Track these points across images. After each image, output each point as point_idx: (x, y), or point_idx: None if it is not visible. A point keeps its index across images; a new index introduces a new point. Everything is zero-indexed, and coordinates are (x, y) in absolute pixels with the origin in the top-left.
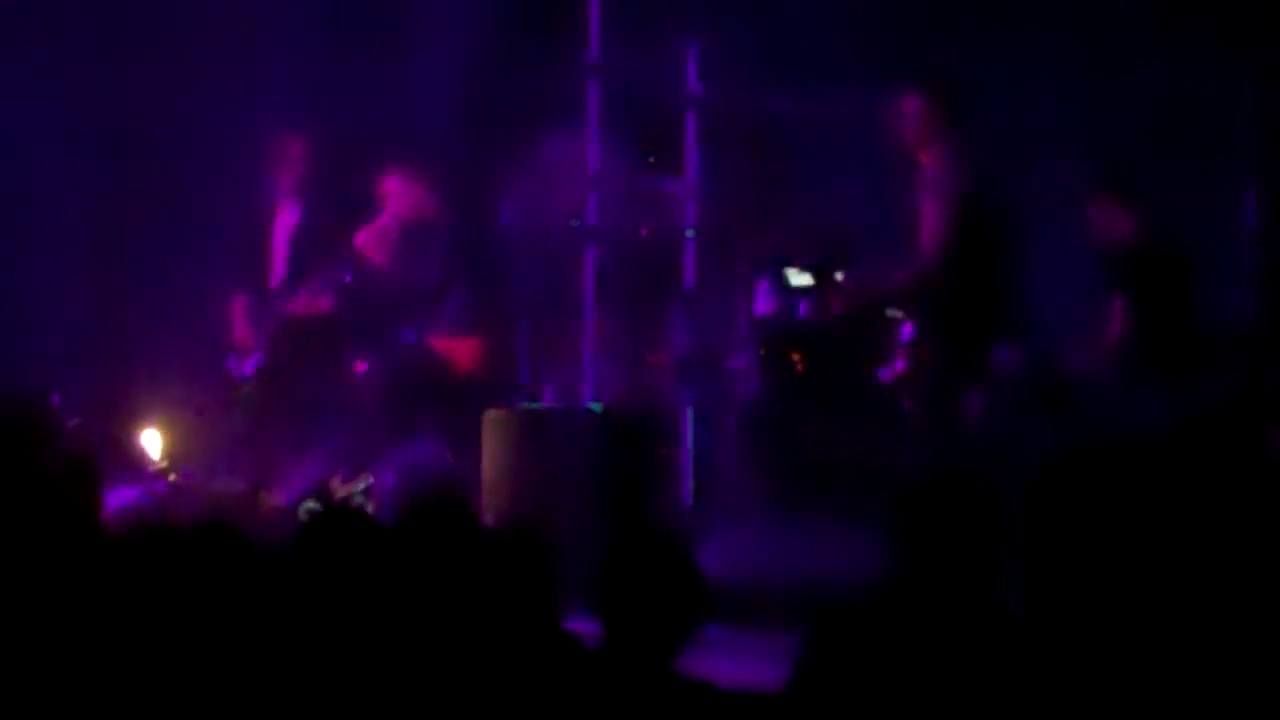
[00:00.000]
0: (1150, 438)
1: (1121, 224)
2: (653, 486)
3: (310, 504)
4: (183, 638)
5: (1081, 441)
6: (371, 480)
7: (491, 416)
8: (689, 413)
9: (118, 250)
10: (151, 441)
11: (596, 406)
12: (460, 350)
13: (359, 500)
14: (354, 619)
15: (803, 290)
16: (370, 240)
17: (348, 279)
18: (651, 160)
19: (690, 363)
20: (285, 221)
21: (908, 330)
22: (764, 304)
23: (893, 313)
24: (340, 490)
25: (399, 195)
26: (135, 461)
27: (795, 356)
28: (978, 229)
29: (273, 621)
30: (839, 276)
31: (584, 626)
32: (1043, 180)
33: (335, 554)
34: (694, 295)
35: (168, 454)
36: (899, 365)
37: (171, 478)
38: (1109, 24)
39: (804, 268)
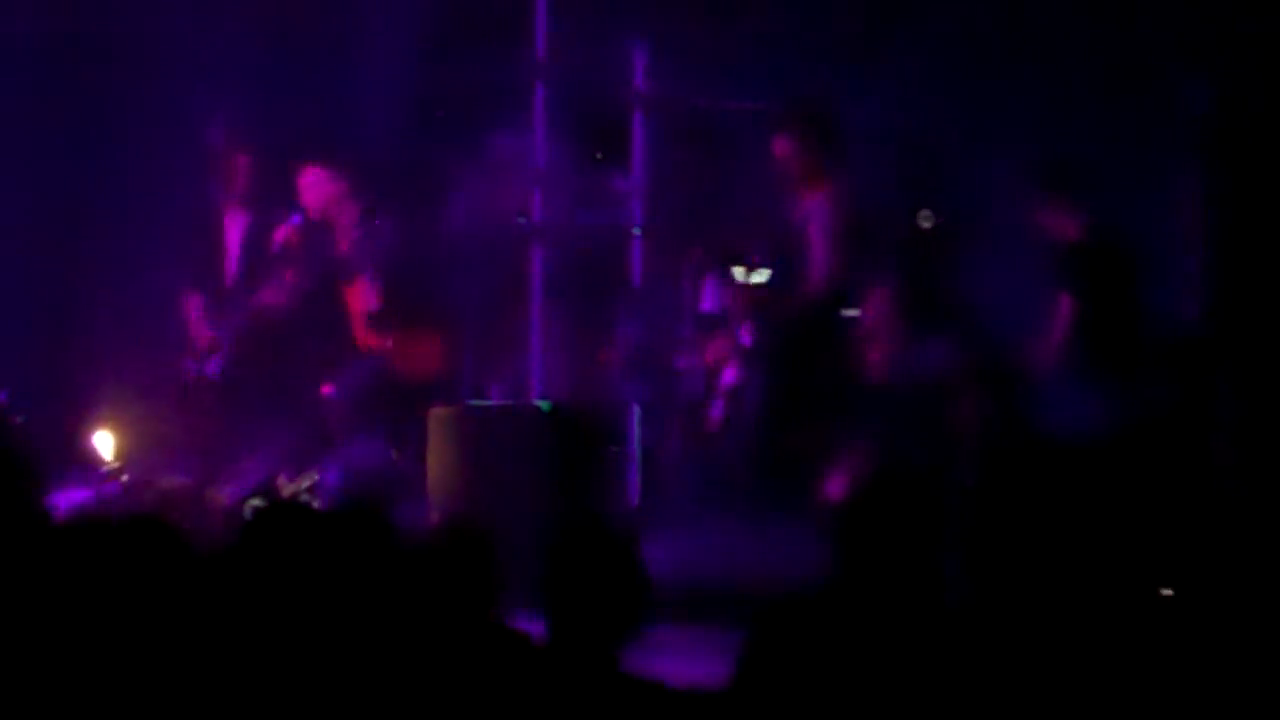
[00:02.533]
0: (1093, 438)
1: (1067, 224)
2: (599, 484)
3: (256, 501)
4: (117, 635)
5: (1025, 440)
6: (317, 478)
7: (437, 414)
8: (636, 410)
9: (69, 252)
10: (104, 443)
11: (544, 404)
12: (417, 350)
13: (305, 498)
14: (298, 615)
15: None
16: (288, 236)
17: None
18: (599, 157)
19: (637, 360)
20: (234, 227)
21: (745, 335)
22: (711, 301)
23: (849, 313)
24: (286, 488)
25: (312, 188)
26: (87, 462)
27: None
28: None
29: (213, 619)
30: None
31: (529, 624)
32: (995, 180)
33: (278, 550)
34: (641, 292)
35: (119, 455)
36: (731, 373)
37: (123, 479)
38: (1056, 25)
39: (752, 266)
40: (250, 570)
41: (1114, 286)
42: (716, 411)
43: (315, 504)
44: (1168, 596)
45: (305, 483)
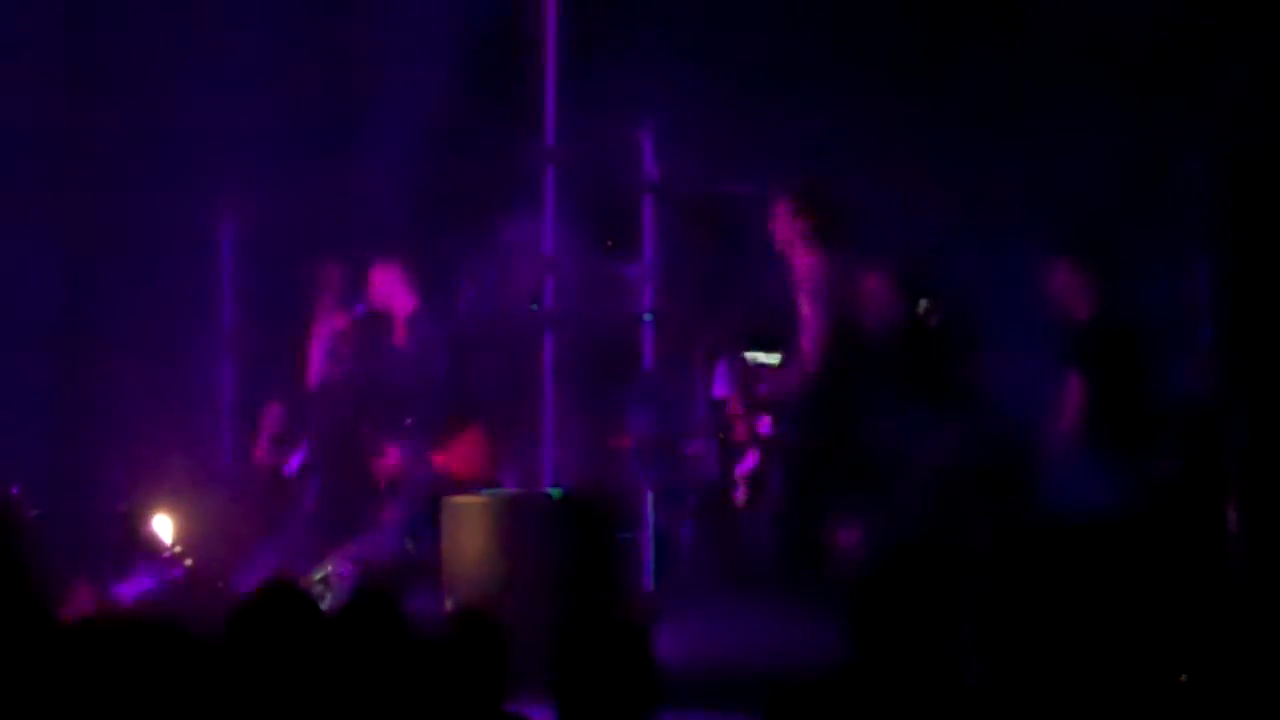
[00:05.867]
0: (1105, 516)
1: (1079, 299)
2: (611, 571)
3: None
4: None
5: (1037, 520)
6: (330, 569)
7: (451, 503)
8: (649, 496)
9: (88, 339)
10: (163, 527)
11: (556, 491)
12: (460, 453)
13: (318, 589)
14: (297, 704)
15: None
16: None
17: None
18: (609, 244)
19: (649, 446)
20: (322, 333)
21: (764, 424)
22: (722, 387)
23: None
24: (300, 579)
25: (379, 280)
26: (149, 549)
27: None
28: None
29: (212, 708)
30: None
31: (540, 713)
32: (1002, 260)
33: (273, 636)
34: (652, 378)
35: (179, 539)
36: (751, 460)
37: (187, 563)
38: (1061, 103)
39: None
40: (249, 658)
41: (1124, 364)
42: (740, 496)
43: (329, 595)
44: (1184, 681)
45: (319, 574)
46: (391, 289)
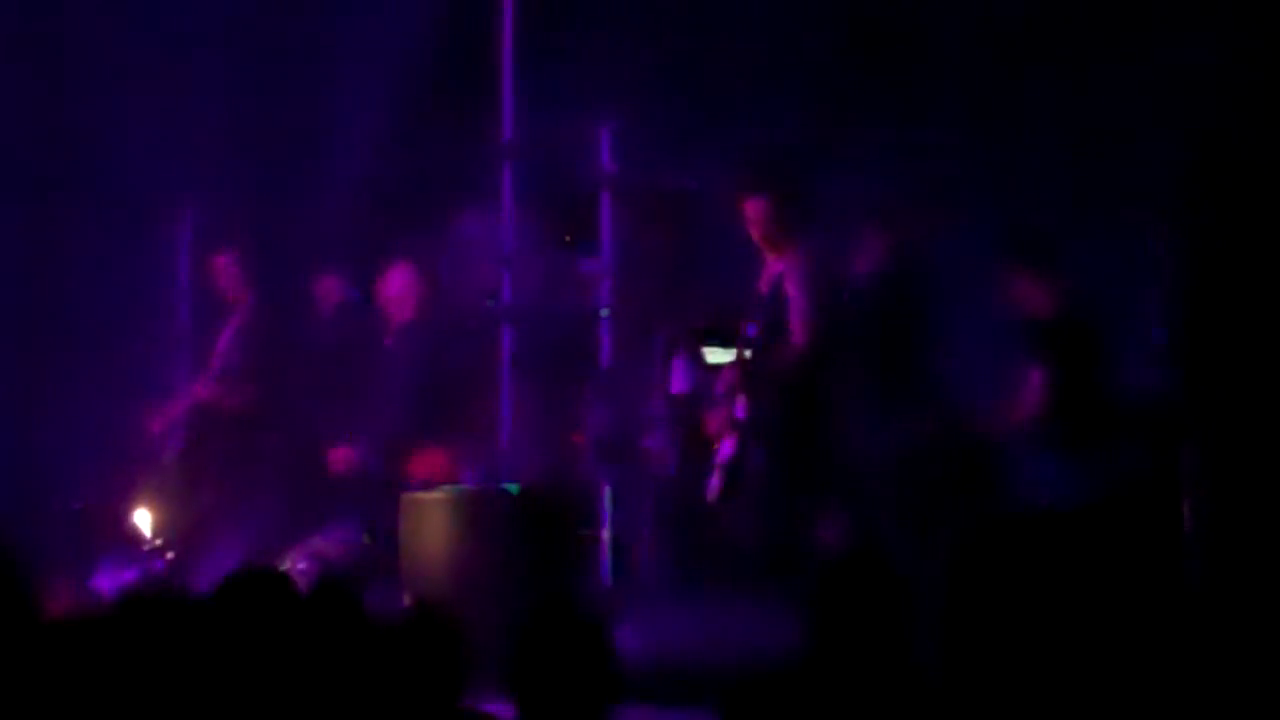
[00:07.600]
0: (1065, 511)
1: (1037, 297)
2: (569, 566)
3: None
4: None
5: (999, 513)
6: (288, 564)
7: (409, 498)
8: (607, 492)
9: (44, 338)
10: (143, 521)
11: (513, 487)
12: (427, 461)
13: None
14: (257, 697)
15: (719, 368)
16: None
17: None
18: (567, 239)
19: (607, 442)
20: (230, 324)
21: (740, 408)
22: (680, 382)
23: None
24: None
25: (396, 280)
26: (130, 541)
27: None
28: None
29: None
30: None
31: (498, 708)
32: (963, 250)
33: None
34: (610, 374)
35: (159, 532)
36: (728, 447)
37: (169, 555)
38: (1023, 95)
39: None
40: (212, 650)
41: (1085, 359)
42: (714, 485)
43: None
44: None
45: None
46: (401, 291)
